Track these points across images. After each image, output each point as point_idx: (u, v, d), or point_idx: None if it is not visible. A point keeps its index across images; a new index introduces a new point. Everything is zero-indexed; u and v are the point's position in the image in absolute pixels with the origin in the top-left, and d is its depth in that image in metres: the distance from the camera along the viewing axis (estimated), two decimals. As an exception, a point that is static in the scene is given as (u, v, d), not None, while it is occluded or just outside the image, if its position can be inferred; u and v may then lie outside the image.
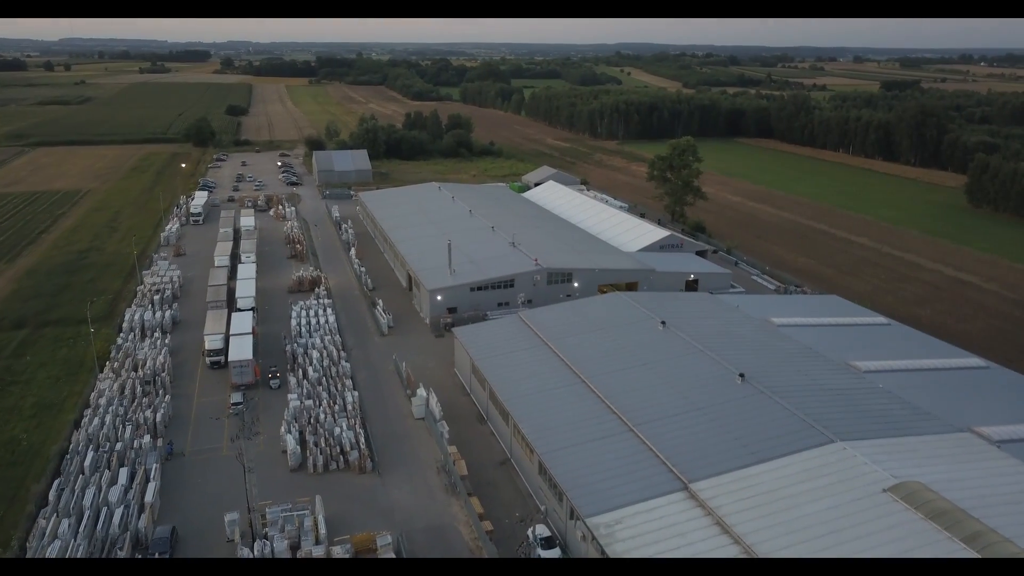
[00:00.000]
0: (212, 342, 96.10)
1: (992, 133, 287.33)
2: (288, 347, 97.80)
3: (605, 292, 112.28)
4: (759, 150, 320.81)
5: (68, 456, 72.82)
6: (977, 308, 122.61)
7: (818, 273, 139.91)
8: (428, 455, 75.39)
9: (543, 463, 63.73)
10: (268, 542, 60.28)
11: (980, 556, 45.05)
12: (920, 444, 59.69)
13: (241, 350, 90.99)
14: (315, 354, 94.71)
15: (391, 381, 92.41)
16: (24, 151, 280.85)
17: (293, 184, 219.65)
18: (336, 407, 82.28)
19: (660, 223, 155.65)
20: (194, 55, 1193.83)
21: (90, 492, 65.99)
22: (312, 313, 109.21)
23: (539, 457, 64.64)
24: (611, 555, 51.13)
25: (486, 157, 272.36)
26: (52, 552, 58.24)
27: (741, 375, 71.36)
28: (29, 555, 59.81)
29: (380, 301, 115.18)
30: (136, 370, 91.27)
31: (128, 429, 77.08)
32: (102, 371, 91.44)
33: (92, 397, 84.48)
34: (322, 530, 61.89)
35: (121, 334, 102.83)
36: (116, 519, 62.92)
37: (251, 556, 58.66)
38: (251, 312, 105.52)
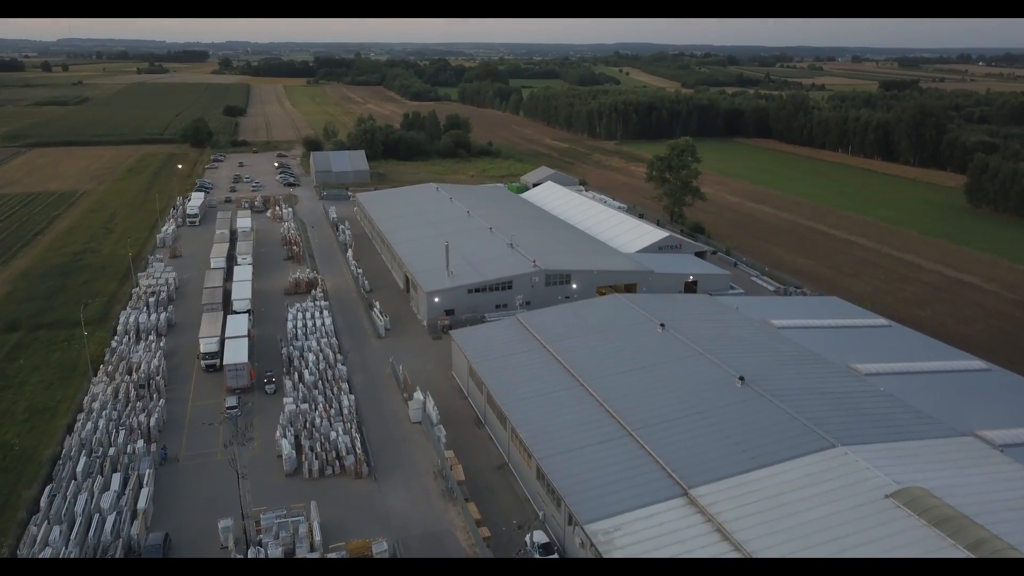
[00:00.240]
0: (207, 345, 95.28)
1: (991, 133, 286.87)
2: (284, 350, 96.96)
3: (604, 294, 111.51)
4: (758, 150, 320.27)
5: (60, 461, 71.94)
6: (977, 309, 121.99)
7: (817, 274, 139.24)
8: (425, 460, 74.59)
9: (541, 468, 62.95)
10: (262, 549, 59.49)
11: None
12: (922, 449, 58.98)
13: (237, 353, 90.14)
14: (311, 357, 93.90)
15: (388, 384, 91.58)
16: (20, 152, 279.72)
17: (290, 185, 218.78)
18: (332, 411, 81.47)
19: (659, 224, 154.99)
20: (192, 55, 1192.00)
21: (82, 498, 65.14)
22: (309, 315, 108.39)
23: (537, 462, 63.86)
24: (610, 563, 50.31)
25: (484, 157, 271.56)
26: (43, 560, 57.39)
27: (741, 378, 70.63)
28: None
29: (377, 303, 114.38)
30: (130, 373, 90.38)
31: (122, 434, 76.24)
32: (96, 375, 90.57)
33: (85, 401, 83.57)
34: (317, 537, 61.06)
35: (115, 337, 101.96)
36: (108, 526, 62.09)
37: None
38: (247, 315, 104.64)
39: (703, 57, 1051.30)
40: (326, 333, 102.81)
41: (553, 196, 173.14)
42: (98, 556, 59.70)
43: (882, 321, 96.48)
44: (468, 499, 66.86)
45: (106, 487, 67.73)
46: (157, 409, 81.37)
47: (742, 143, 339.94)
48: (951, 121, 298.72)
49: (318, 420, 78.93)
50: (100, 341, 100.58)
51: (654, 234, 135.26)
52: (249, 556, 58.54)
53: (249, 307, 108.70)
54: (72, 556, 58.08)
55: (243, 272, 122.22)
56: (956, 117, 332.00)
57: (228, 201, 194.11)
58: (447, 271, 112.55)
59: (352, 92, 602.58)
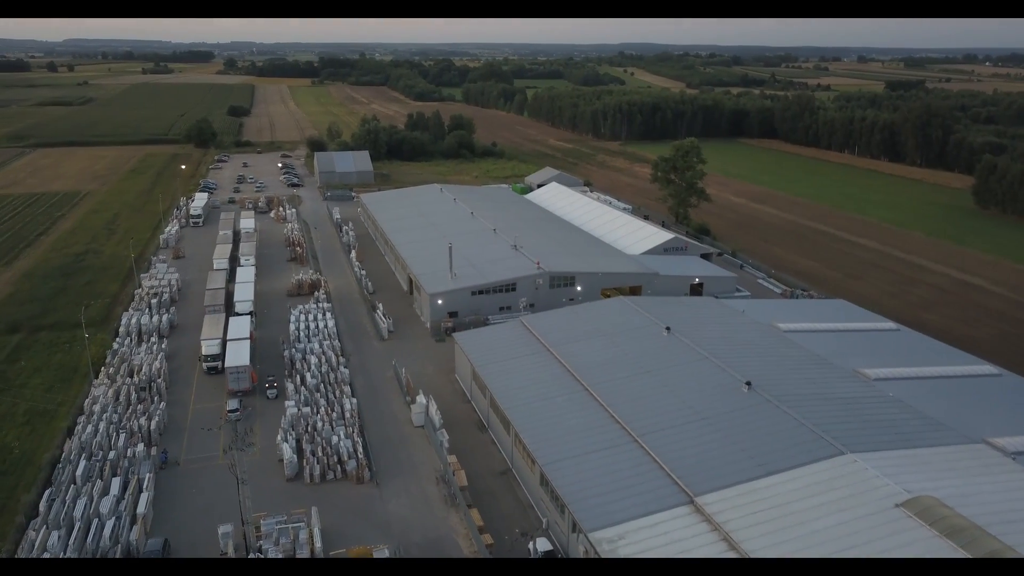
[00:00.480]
0: (209, 347, 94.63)
1: (998, 133, 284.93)
2: (286, 352, 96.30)
3: (608, 296, 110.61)
4: (762, 151, 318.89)
5: (60, 465, 71.36)
6: (985, 312, 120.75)
7: (823, 276, 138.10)
8: (427, 464, 73.80)
9: (544, 474, 62.12)
10: (262, 555, 58.75)
11: None
12: (933, 456, 57.99)
13: (238, 356, 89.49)
14: (313, 360, 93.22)
15: (390, 387, 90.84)
16: (24, 152, 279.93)
17: (294, 185, 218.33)
18: (334, 414, 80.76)
19: (664, 225, 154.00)
20: (197, 56, 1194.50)
21: (81, 503, 64.51)
22: (311, 317, 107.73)
23: (540, 468, 63.02)
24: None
25: (488, 158, 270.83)
26: (41, 566, 56.72)
27: (748, 383, 69.69)
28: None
29: (380, 305, 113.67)
30: (132, 376, 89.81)
31: (122, 437, 75.62)
32: (97, 377, 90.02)
33: (86, 404, 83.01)
34: (318, 543, 60.34)
35: (117, 339, 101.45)
36: (107, 531, 61.43)
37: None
38: (249, 316, 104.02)
39: (708, 57, 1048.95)
40: (328, 335, 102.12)
41: (557, 197, 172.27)
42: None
43: (890, 324, 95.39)
44: (471, 505, 66.06)
45: (106, 491, 67.11)
46: (158, 412, 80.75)
47: (747, 144, 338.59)
48: (958, 121, 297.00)
49: (320, 424, 78.24)
50: (102, 343, 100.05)
51: (659, 236, 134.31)
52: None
53: (251, 309, 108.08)
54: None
55: (246, 273, 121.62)
56: (963, 117, 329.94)
57: (232, 202, 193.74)
58: (450, 273, 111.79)
59: (356, 92, 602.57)
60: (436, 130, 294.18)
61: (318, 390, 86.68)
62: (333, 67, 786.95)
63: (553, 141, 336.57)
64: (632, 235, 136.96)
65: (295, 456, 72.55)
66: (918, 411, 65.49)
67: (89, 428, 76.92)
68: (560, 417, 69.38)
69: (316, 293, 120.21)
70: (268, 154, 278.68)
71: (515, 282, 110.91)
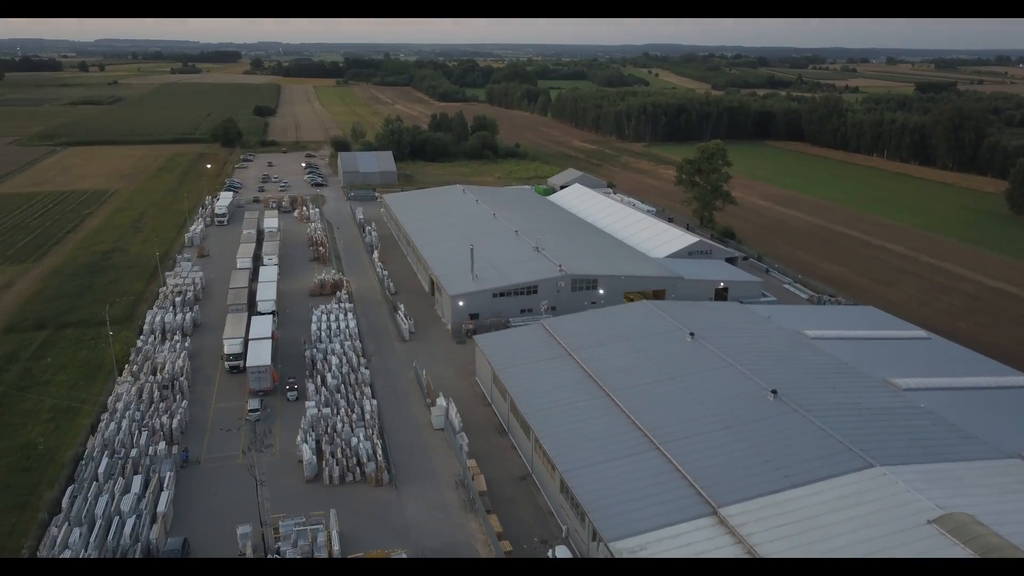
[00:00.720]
0: (231, 346, 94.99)
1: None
2: (307, 352, 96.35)
3: (631, 300, 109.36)
4: (789, 153, 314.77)
5: (83, 462, 71.85)
6: (1020, 321, 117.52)
7: (851, 282, 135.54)
8: (446, 468, 73.23)
9: (565, 481, 61.22)
10: (280, 557, 58.53)
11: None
12: (967, 471, 56.19)
13: (259, 355, 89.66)
14: (334, 360, 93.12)
15: (411, 389, 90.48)
16: (54, 150, 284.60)
17: (318, 185, 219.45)
18: (354, 416, 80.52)
19: (688, 228, 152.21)
20: (225, 56, 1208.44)
21: (103, 500, 64.81)
22: (333, 317, 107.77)
23: (561, 475, 62.14)
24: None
25: (511, 159, 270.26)
26: (62, 563, 57.02)
27: (773, 391, 68.18)
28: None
29: (402, 306, 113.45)
30: (155, 374, 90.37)
31: (144, 435, 76.01)
32: (121, 374, 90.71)
33: (110, 401, 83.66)
34: (336, 546, 60.02)
35: (141, 336, 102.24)
36: (128, 529, 61.63)
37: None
38: (271, 316, 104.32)
39: (733, 58, 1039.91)
40: (350, 336, 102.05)
41: (580, 199, 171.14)
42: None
43: (921, 333, 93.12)
44: (490, 510, 65.37)
45: (127, 489, 67.42)
46: (180, 411, 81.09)
47: (773, 146, 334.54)
48: (991, 124, 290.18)
49: (339, 425, 78.03)
50: (126, 340, 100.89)
51: (684, 239, 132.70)
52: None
53: (274, 308, 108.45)
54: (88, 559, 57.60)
55: (269, 273, 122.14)
56: (996, 120, 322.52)
57: (256, 201, 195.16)
58: (472, 274, 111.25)
59: (380, 93, 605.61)
60: (459, 131, 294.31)
61: (338, 391, 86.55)
62: (358, 67, 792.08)
63: (576, 142, 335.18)
64: (656, 238, 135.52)
65: (314, 457, 72.34)
66: (951, 423, 63.65)
67: (112, 425, 77.41)
68: (581, 423, 68.46)
69: (338, 293, 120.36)
70: (293, 154, 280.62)
71: (537, 284, 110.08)
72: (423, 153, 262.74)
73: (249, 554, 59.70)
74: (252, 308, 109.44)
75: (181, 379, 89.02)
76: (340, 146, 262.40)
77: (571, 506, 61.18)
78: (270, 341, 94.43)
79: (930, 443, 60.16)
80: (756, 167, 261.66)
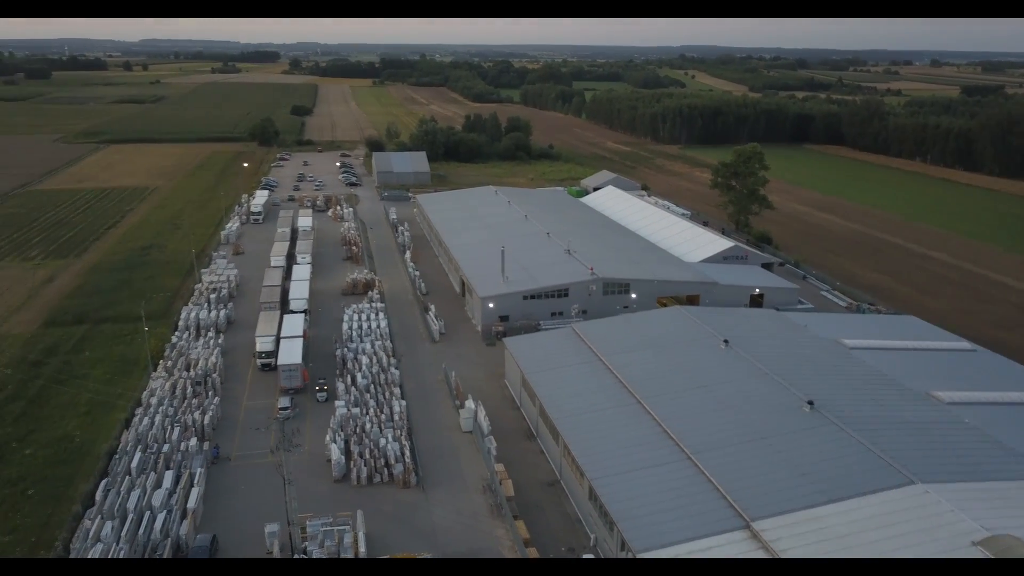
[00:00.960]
0: (263, 344, 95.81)
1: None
2: (338, 351, 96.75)
3: (664, 305, 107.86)
4: (828, 157, 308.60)
5: (117, 456, 72.88)
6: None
7: (892, 290, 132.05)
8: (474, 472, 72.74)
9: (593, 489, 60.30)
10: (307, 557, 58.59)
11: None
12: (1014, 491, 53.97)
13: (291, 354, 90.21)
14: (364, 360, 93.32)
15: (440, 391, 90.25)
16: (98, 147, 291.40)
17: (352, 185, 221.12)
18: (383, 416, 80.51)
19: (724, 233, 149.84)
20: (264, 56, 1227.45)
21: (135, 495, 65.61)
22: (364, 317, 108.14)
23: (589, 482, 61.23)
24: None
25: (544, 160, 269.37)
26: (94, 555, 57.83)
27: (810, 403, 66.41)
28: (72, 557, 59.54)
29: (433, 307, 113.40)
30: (188, 370, 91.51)
31: (176, 430, 76.89)
32: (155, 369, 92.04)
33: (144, 396, 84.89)
34: (362, 547, 59.89)
35: (176, 332, 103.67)
36: (158, 524, 62.29)
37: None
38: (303, 315, 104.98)
39: (771, 60, 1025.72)
40: (381, 336, 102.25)
41: (613, 201, 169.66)
42: (147, 554, 59.87)
43: (965, 344, 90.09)
44: (517, 516, 64.73)
45: (159, 484, 68.18)
46: (212, 407, 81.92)
47: (812, 150, 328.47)
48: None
49: (368, 425, 78.05)
50: (161, 336, 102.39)
51: (719, 243, 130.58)
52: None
53: (306, 307, 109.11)
54: (122, 552, 58.28)
55: (302, 271, 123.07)
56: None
57: (291, 200, 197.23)
58: (503, 276, 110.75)
59: (416, 93, 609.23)
60: (493, 132, 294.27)
61: (368, 391, 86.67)
62: (394, 68, 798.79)
63: (611, 144, 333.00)
64: (690, 242, 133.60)
65: (343, 457, 72.43)
66: (997, 440, 61.28)
67: (146, 420, 78.50)
68: (611, 430, 67.46)
69: (370, 293, 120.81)
70: (328, 153, 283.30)
71: (568, 287, 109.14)
72: (457, 154, 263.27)
73: (276, 553, 59.89)
74: (285, 306, 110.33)
75: (214, 375, 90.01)
76: (375, 146, 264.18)
77: (600, 514, 60.24)
78: (302, 340, 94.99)
79: (975, 460, 57.97)
80: (795, 171, 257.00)
